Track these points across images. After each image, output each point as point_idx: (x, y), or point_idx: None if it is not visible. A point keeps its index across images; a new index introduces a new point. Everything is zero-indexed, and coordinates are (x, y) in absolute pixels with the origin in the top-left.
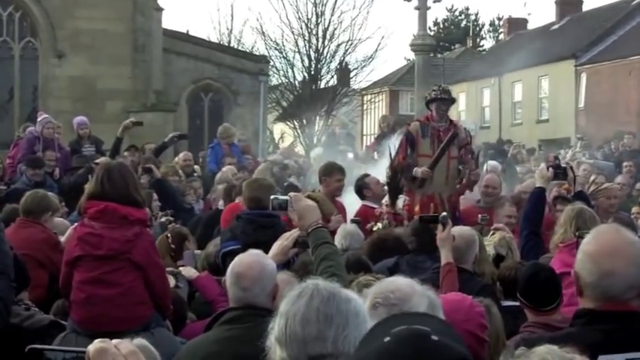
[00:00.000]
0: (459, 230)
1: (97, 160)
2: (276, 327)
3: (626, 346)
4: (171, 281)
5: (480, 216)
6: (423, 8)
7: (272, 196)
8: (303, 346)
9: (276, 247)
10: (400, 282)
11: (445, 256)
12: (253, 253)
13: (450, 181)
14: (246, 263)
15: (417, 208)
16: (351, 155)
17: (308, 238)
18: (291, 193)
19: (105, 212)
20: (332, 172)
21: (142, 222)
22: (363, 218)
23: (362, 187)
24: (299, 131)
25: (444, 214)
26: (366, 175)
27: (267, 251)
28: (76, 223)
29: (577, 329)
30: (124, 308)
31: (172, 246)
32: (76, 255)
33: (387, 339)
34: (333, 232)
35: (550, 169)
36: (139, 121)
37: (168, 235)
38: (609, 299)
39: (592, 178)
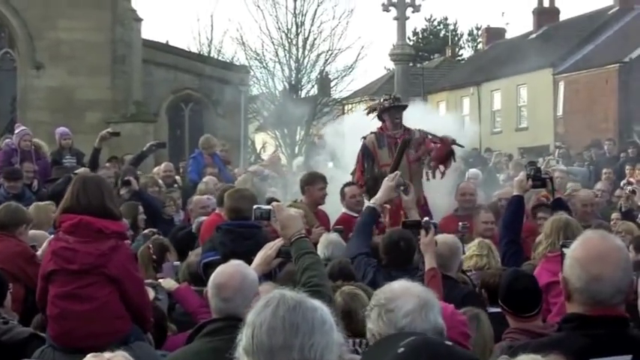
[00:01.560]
0: (443, 238)
1: (77, 171)
2: (243, 337)
3: (614, 351)
4: (151, 293)
5: (460, 224)
6: (402, 18)
7: (255, 206)
8: (270, 356)
9: (259, 257)
10: (396, 284)
11: (429, 262)
12: (234, 264)
13: (414, 184)
14: (227, 274)
15: (387, 219)
16: (330, 164)
17: (291, 247)
18: (274, 203)
19: (79, 226)
20: (314, 181)
21: (119, 235)
22: (345, 227)
23: (341, 195)
24: (280, 141)
25: (427, 219)
26: (349, 184)
27: (247, 262)
28: (51, 236)
29: (565, 334)
30: (100, 323)
31: (154, 257)
32: (50, 269)
33: (402, 350)
34: (315, 244)
35: (529, 179)
36: (116, 132)
37: (150, 245)
38: (597, 304)
39: (569, 185)
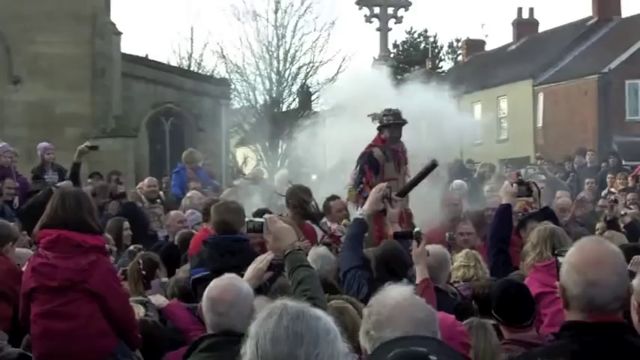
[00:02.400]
0: (430, 249)
1: (60, 184)
2: (247, 349)
3: (614, 357)
4: (141, 310)
5: (446, 234)
6: (384, 30)
7: (247, 219)
8: None
9: (250, 270)
10: (388, 300)
11: (421, 272)
12: (228, 277)
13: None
14: (221, 287)
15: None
16: (314, 177)
17: (284, 260)
18: (266, 215)
19: (58, 241)
20: (305, 193)
21: (99, 249)
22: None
23: (326, 209)
24: (262, 155)
25: (418, 229)
26: (333, 198)
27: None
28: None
29: (564, 342)
30: (84, 341)
31: (143, 272)
32: (30, 287)
33: None
34: None
35: (514, 185)
36: (95, 145)
37: (140, 261)
38: (596, 310)
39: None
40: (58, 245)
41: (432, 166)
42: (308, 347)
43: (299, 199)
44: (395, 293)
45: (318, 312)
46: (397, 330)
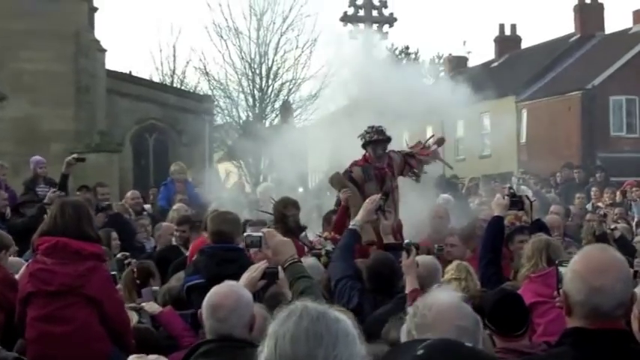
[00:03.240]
0: (421, 259)
1: (47, 200)
2: (265, 348)
3: None
4: (134, 317)
5: (435, 246)
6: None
7: (245, 234)
8: None
9: (244, 278)
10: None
11: (410, 283)
12: (229, 284)
13: (396, 208)
14: (222, 294)
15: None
16: (301, 189)
17: (285, 272)
18: (264, 230)
19: (57, 247)
20: (286, 207)
21: (97, 256)
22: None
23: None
24: (245, 170)
25: (408, 241)
26: (335, 211)
27: None
28: (29, 260)
29: (565, 349)
30: (80, 346)
31: (137, 281)
32: (28, 292)
33: (421, 352)
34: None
35: (506, 198)
36: (82, 157)
37: (134, 269)
38: (599, 317)
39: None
40: (56, 251)
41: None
42: (327, 349)
43: (279, 213)
44: (443, 297)
45: (338, 314)
46: (439, 335)
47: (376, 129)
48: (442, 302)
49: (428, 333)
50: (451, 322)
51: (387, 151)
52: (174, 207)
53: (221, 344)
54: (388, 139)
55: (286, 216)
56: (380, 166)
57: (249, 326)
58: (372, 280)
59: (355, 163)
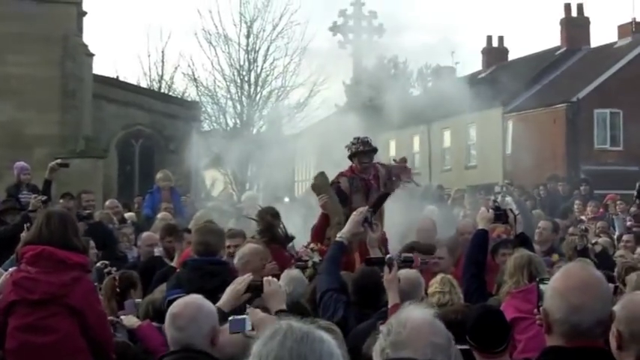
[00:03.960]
0: (404, 273)
1: (31, 207)
2: None
3: None
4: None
5: (419, 259)
6: (357, 56)
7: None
8: None
9: (228, 291)
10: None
11: (392, 298)
12: (192, 296)
13: (381, 220)
14: (182, 303)
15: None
16: (287, 199)
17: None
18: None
19: (41, 256)
20: (274, 216)
21: (82, 267)
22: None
23: None
24: (231, 177)
25: (390, 255)
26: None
27: (214, 298)
28: (11, 269)
29: None
30: (61, 357)
31: (118, 290)
32: (10, 300)
33: None
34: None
35: (490, 211)
36: (65, 163)
37: (116, 277)
38: (578, 335)
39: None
40: (41, 260)
41: (385, 195)
42: None
43: (266, 223)
44: (416, 314)
45: (323, 335)
46: (414, 353)
47: (362, 140)
48: (416, 319)
49: (403, 351)
50: (426, 339)
51: (373, 162)
52: (159, 216)
53: (182, 355)
54: (374, 150)
55: (273, 225)
56: (366, 177)
57: (211, 338)
58: (357, 294)
59: (342, 174)
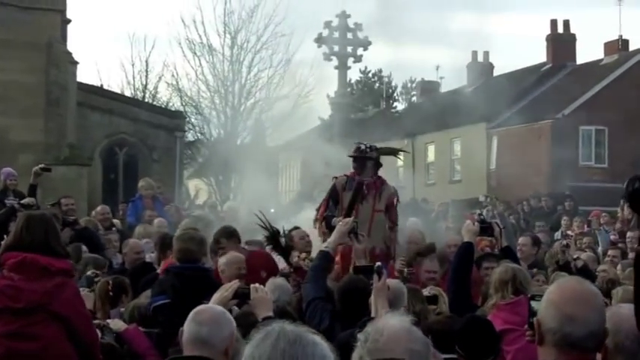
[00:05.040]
0: (387, 282)
1: (23, 201)
2: None
3: None
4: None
5: (404, 270)
6: (342, 68)
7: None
8: None
9: (215, 298)
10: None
11: (381, 306)
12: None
13: (374, 232)
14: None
15: (337, 258)
16: (272, 210)
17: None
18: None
19: (24, 264)
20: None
21: (65, 272)
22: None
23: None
24: (215, 187)
25: (379, 263)
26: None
27: (198, 305)
28: None
29: None
30: None
31: (111, 294)
32: None
33: None
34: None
35: (476, 224)
36: (48, 167)
37: (109, 281)
38: (570, 346)
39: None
40: (24, 267)
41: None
42: None
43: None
44: (393, 322)
45: (316, 338)
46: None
47: (358, 147)
48: (393, 326)
49: (380, 358)
50: (403, 346)
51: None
52: (155, 222)
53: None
54: (365, 157)
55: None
56: (364, 180)
57: (226, 346)
58: (342, 302)
59: (345, 174)
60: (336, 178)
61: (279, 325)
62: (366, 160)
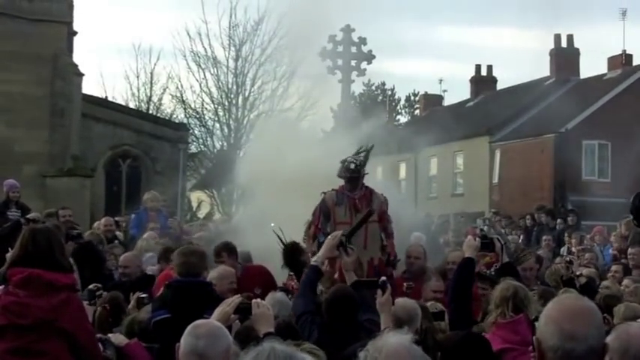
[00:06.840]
0: (402, 302)
1: (29, 216)
2: None
3: None
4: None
5: (405, 284)
6: (346, 82)
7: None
8: None
9: (217, 313)
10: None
11: (385, 321)
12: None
13: (370, 245)
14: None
15: (336, 275)
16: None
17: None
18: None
19: (30, 280)
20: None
21: (70, 287)
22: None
23: None
24: (217, 200)
25: (383, 278)
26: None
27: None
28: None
29: None
30: None
31: (110, 319)
32: (1, 324)
33: None
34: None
35: (477, 239)
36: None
37: (107, 306)
38: None
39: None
40: (30, 284)
41: (369, 214)
42: None
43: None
44: (393, 341)
45: (306, 356)
46: None
47: (345, 166)
48: (392, 345)
49: None
50: None
51: (364, 185)
52: (144, 236)
53: None
54: (356, 177)
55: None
56: (354, 195)
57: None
58: (329, 313)
59: (333, 189)
60: (325, 193)
61: (269, 344)
62: (359, 178)
